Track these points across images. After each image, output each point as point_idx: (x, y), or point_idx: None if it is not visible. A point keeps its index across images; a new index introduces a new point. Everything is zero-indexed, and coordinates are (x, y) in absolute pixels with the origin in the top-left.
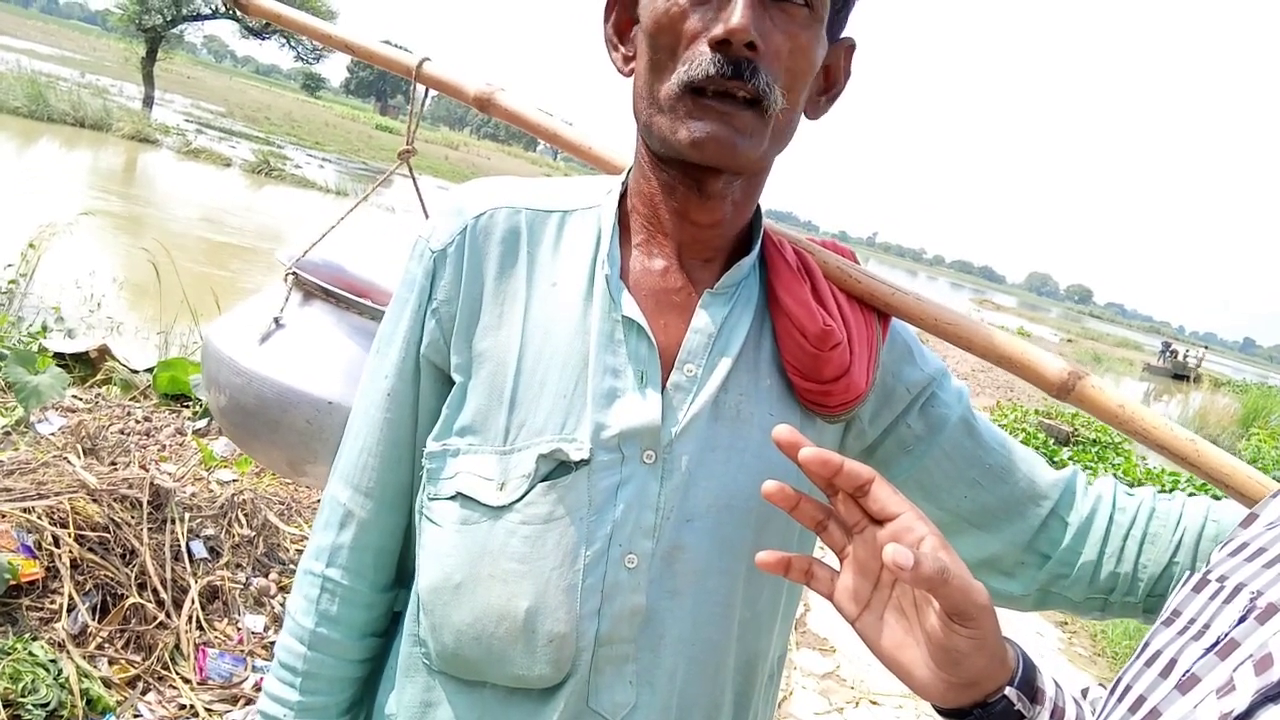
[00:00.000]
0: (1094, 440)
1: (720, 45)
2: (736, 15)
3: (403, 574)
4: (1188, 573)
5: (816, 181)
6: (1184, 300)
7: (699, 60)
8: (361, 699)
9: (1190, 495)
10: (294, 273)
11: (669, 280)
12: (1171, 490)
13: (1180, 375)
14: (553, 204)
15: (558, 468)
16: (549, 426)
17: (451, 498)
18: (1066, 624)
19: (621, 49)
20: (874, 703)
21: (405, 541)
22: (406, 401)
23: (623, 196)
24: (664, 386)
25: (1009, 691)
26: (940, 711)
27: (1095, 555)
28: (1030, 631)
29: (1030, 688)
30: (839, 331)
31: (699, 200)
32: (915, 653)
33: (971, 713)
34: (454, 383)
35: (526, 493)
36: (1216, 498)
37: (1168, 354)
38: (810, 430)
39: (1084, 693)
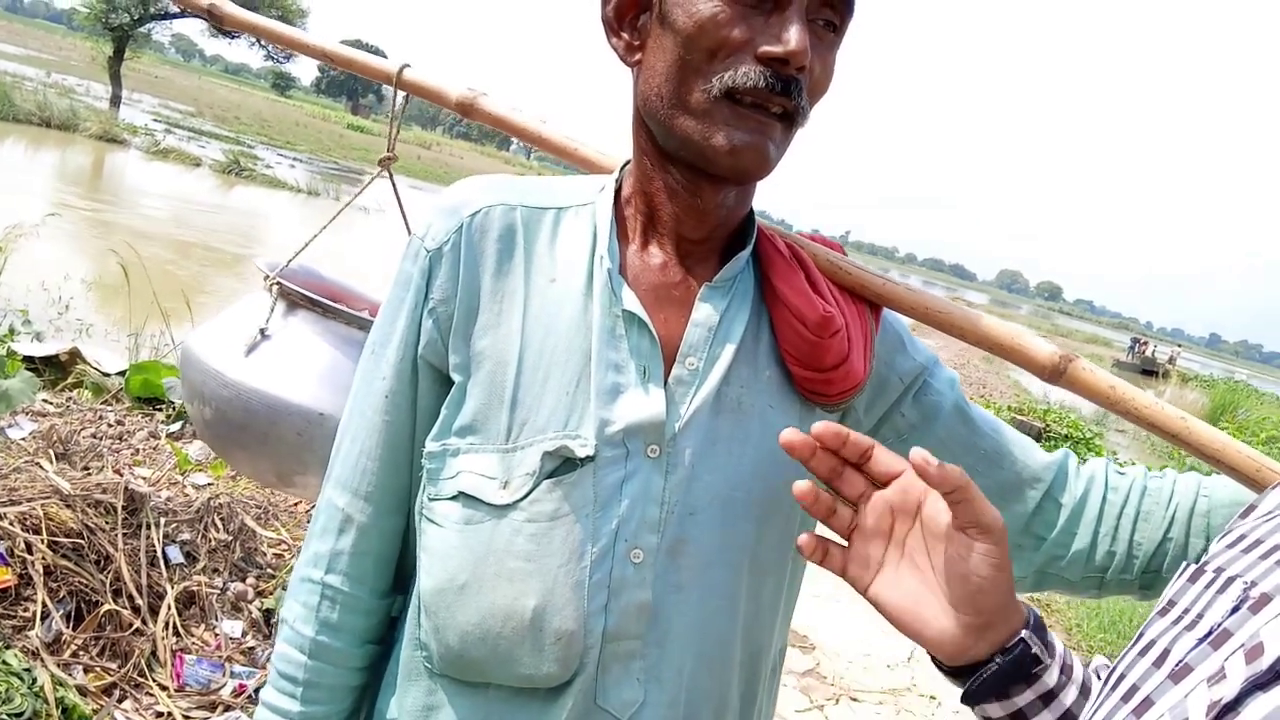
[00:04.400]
0: (1065, 436)
1: (773, 62)
2: (796, 39)
3: (400, 579)
4: (1184, 564)
5: (789, 180)
6: (1151, 296)
7: (747, 71)
8: (359, 709)
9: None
10: (278, 282)
11: (667, 274)
12: None
13: (1149, 371)
14: (547, 201)
15: (562, 464)
16: (552, 423)
17: (453, 498)
18: (1042, 618)
19: (624, 36)
20: (854, 699)
21: (403, 546)
22: (405, 403)
23: (616, 193)
24: (665, 380)
25: (1025, 634)
26: (953, 674)
27: (1090, 535)
28: None
29: (1043, 635)
30: (838, 318)
31: (697, 211)
32: (933, 601)
33: (990, 661)
34: (452, 382)
35: (531, 490)
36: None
37: (1136, 350)
38: (809, 420)
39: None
